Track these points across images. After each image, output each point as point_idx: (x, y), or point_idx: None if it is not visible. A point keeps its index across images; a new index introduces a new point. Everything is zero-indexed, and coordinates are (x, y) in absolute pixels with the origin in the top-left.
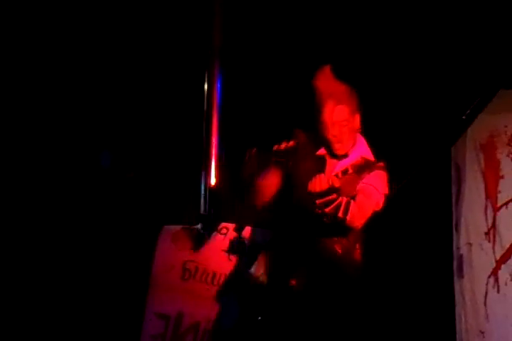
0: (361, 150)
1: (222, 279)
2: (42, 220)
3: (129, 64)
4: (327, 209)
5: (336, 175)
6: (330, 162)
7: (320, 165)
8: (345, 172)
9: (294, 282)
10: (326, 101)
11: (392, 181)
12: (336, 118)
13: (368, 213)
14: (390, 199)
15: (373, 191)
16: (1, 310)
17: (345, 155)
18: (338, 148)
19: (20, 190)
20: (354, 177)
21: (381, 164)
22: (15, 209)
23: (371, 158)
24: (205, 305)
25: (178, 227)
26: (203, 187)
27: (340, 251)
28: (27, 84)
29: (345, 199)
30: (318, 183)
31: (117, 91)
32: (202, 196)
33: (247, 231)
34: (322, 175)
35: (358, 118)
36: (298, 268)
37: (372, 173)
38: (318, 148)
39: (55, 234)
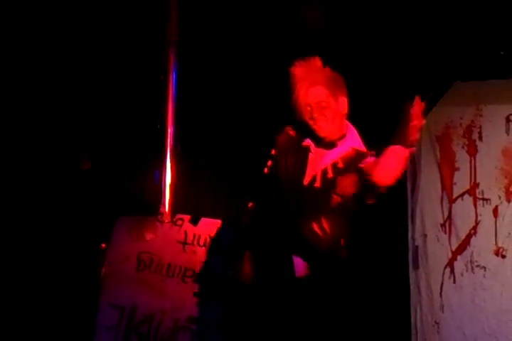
0: (352, 140)
1: (177, 271)
2: None
3: (85, 57)
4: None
5: (324, 171)
6: (316, 152)
7: (304, 157)
8: (335, 166)
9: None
10: (298, 84)
11: None
12: (311, 99)
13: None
14: None
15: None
16: None
17: (334, 144)
18: (322, 133)
19: None
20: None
21: (373, 153)
22: None
23: (363, 148)
24: (159, 296)
25: (133, 218)
26: (159, 178)
27: (319, 231)
28: None
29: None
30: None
31: (73, 83)
32: (158, 187)
33: (202, 222)
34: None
35: (344, 102)
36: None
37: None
38: (303, 140)
39: (10, 224)
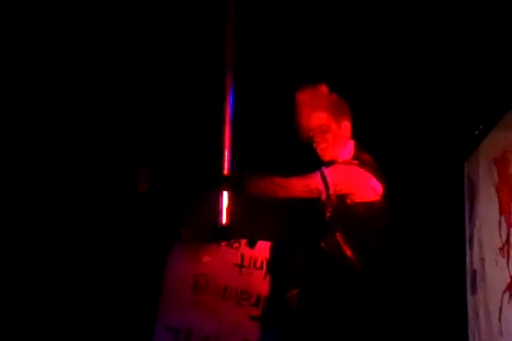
0: (343, 155)
1: (233, 293)
2: (54, 232)
3: (142, 75)
4: None
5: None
6: None
7: None
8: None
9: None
10: (301, 108)
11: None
12: (313, 123)
13: None
14: (403, 214)
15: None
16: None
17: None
18: (323, 154)
19: (31, 199)
20: None
21: (355, 162)
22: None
23: (348, 158)
24: (215, 319)
25: (190, 241)
26: (216, 202)
27: (326, 247)
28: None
29: None
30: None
31: (130, 105)
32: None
33: (259, 245)
34: None
35: (347, 126)
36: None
37: (333, 167)
38: None
39: (67, 246)
